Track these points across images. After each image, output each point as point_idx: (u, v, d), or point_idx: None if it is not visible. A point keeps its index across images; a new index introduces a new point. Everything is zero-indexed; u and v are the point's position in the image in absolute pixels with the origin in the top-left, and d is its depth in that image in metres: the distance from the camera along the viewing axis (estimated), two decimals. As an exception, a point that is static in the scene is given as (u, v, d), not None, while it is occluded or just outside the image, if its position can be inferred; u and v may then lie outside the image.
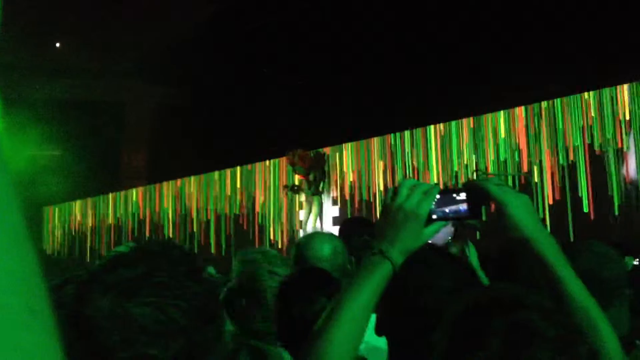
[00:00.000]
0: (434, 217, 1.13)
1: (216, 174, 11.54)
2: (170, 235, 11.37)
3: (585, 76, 7.12)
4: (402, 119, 8.65)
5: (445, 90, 8.03)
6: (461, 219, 1.16)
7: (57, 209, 13.98)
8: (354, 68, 9.49)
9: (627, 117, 6.67)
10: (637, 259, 3.78)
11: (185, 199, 11.78)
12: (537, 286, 1.13)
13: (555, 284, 1.09)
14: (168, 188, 12.36)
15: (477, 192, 1.14)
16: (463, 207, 1.15)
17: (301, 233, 9.45)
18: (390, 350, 1.44)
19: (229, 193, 10.94)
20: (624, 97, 6.73)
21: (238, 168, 11.11)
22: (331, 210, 9.24)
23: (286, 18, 10.14)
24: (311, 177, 9.12)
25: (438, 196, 1.13)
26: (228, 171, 11.32)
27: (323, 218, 9.26)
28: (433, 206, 1.13)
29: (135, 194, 13.00)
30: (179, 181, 12.12)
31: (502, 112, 7.63)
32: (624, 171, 6.62)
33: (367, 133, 9.17)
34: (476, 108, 7.99)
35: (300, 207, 9.47)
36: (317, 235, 2.75)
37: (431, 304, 1.36)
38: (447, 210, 1.15)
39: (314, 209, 9.09)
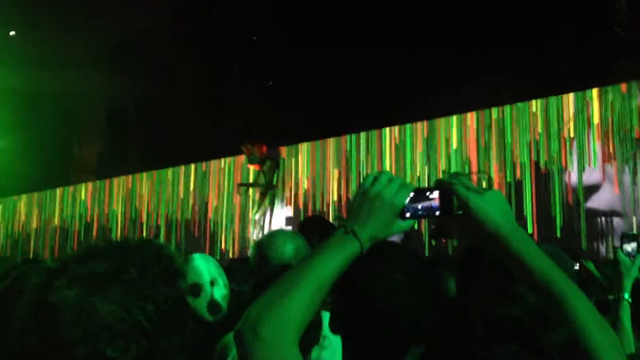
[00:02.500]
0: (407, 214, 1.23)
1: (170, 173, 11.89)
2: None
3: (534, 84, 7.63)
4: (358, 119, 9.12)
5: (402, 92, 8.51)
6: (432, 216, 1.25)
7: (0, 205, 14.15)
8: (310, 67, 9.87)
9: (572, 134, 7.24)
10: (577, 264, 4.20)
11: (135, 201, 12.10)
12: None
13: (532, 276, 1.13)
14: (118, 188, 12.68)
15: (447, 190, 1.24)
16: (434, 204, 1.24)
17: (253, 231, 9.94)
18: (344, 347, 1.49)
19: (181, 196, 11.31)
20: (569, 111, 7.31)
21: (192, 168, 11.49)
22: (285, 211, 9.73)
23: (243, 14, 10.46)
24: (265, 166, 9.65)
25: (412, 194, 1.23)
26: (182, 172, 11.69)
27: (275, 216, 9.74)
28: (407, 202, 1.22)
29: (84, 191, 13.27)
30: (129, 182, 12.42)
31: (454, 117, 8.17)
32: (565, 189, 7.19)
33: (323, 133, 9.63)
34: (431, 111, 8.51)
35: (254, 208, 9.91)
36: (280, 234, 2.80)
37: (382, 297, 1.42)
38: (419, 207, 1.24)
39: (267, 203, 9.58)
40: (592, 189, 7.47)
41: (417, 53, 8.49)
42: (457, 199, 1.22)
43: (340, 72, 9.29)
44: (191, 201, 11.15)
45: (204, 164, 11.37)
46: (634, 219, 7.14)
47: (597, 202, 7.46)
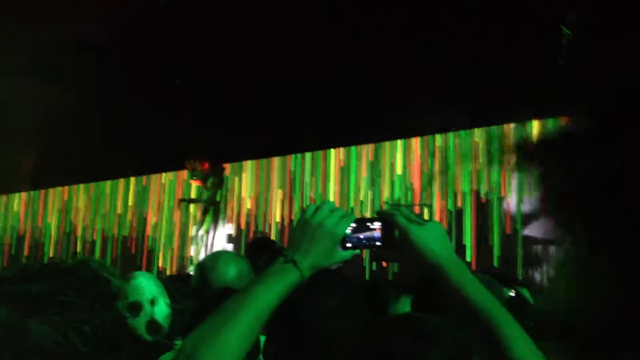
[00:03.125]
0: (349, 245, 1.26)
1: (107, 187, 11.57)
2: (51, 255, 11.30)
3: (477, 112, 7.77)
4: (304, 139, 9.10)
5: (350, 114, 8.54)
6: (374, 247, 1.28)
7: None
8: (257, 82, 9.80)
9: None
10: (513, 291, 4.25)
11: (71, 215, 11.71)
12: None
13: (469, 306, 1.17)
14: (54, 199, 12.25)
15: (388, 221, 1.27)
16: (376, 235, 1.27)
17: (193, 249, 9.77)
18: None
19: (119, 211, 11.00)
20: (510, 142, 7.45)
21: (132, 182, 11.20)
22: (226, 244, 9.61)
23: (186, 25, 10.29)
24: (209, 183, 9.55)
25: (354, 224, 1.27)
26: (121, 185, 11.38)
27: (217, 234, 9.62)
28: (349, 232, 1.25)
29: (18, 201, 12.77)
30: (65, 194, 12.02)
31: (399, 142, 8.22)
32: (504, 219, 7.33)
33: (269, 152, 9.57)
34: (377, 134, 8.56)
35: (195, 225, 9.76)
36: (222, 255, 2.80)
37: (316, 323, 1.44)
38: (361, 237, 1.27)
39: (209, 219, 9.45)
40: (530, 218, 7.64)
41: (364, 77, 8.54)
42: (397, 230, 1.25)
43: (288, 91, 9.27)
44: (129, 216, 10.84)
45: (144, 178, 11.10)
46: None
47: (535, 230, 7.62)
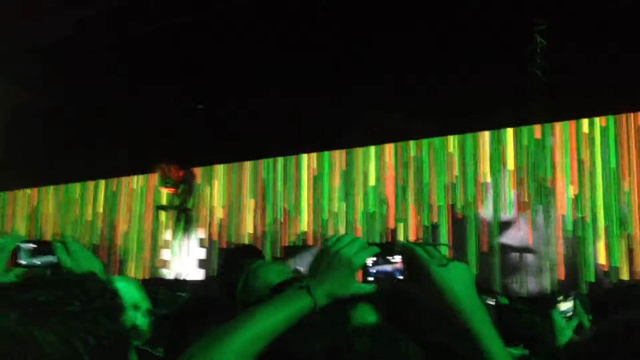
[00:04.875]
0: (370, 278, 1.24)
1: (77, 191, 11.22)
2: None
3: (451, 121, 7.62)
4: (276, 145, 8.87)
5: (323, 120, 8.36)
6: (395, 281, 1.26)
7: None
8: (229, 87, 9.58)
9: (488, 179, 7.22)
10: (493, 300, 4.26)
11: (40, 221, 11.35)
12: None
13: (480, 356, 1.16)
14: (23, 203, 11.86)
15: (410, 257, 1.24)
16: (398, 270, 1.25)
17: (165, 253, 9.54)
18: None
19: (89, 217, 10.67)
20: (485, 152, 7.30)
21: (102, 187, 10.87)
22: (198, 252, 9.35)
23: (155, 31, 10.03)
24: (180, 189, 9.35)
25: (374, 257, 1.24)
26: (90, 190, 11.04)
27: (189, 253, 9.39)
28: (370, 265, 1.24)
29: (-15, 206, 12.38)
30: (35, 198, 11.66)
31: (372, 149, 8.03)
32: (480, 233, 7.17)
33: (240, 156, 9.35)
34: (349, 140, 8.37)
35: (166, 232, 9.52)
36: (263, 263, 2.71)
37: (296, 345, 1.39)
38: (382, 270, 1.25)
39: (180, 227, 9.27)
40: (506, 226, 7.51)
41: (337, 83, 8.35)
42: (419, 267, 1.23)
43: (260, 96, 9.03)
44: (99, 223, 10.52)
45: (115, 183, 10.77)
46: (546, 255, 7.24)
47: (511, 239, 7.51)
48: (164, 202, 9.79)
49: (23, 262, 1.38)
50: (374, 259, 1.24)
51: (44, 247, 1.33)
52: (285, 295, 1.20)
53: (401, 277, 1.24)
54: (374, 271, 1.24)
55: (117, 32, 10.53)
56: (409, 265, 1.24)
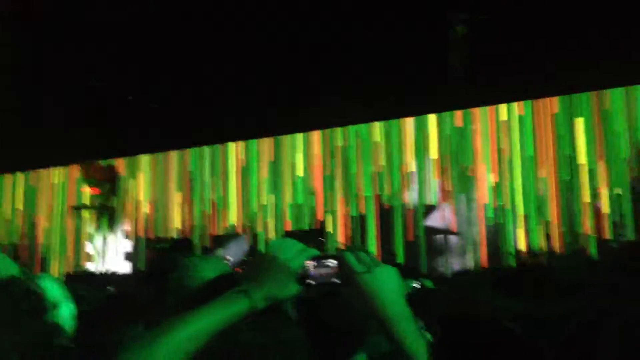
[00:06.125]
0: (308, 281, 1.28)
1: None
2: None
3: (376, 107, 7.66)
4: (203, 133, 8.67)
5: (249, 107, 8.22)
6: (333, 284, 1.30)
7: None
8: (154, 73, 9.26)
9: (413, 169, 7.31)
10: (418, 282, 4.38)
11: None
12: None
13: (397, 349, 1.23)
14: None
15: (344, 261, 1.29)
16: (335, 273, 1.30)
17: (89, 247, 9.27)
18: None
19: (7, 216, 10.16)
20: (410, 140, 7.38)
21: (20, 183, 10.37)
22: (124, 245, 9.08)
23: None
24: (103, 189, 9.05)
25: (314, 262, 1.28)
26: (8, 184, 10.51)
27: (115, 247, 9.13)
28: (308, 267, 1.27)
29: None
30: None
31: (300, 136, 7.97)
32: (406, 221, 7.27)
33: (165, 145, 9.09)
34: (276, 128, 8.28)
35: (89, 239, 9.21)
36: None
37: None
38: (320, 273, 1.29)
39: (104, 225, 9.00)
40: (431, 210, 7.66)
41: (264, 69, 8.21)
42: (347, 273, 1.27)
43: (187, 82, 8.78)
44: (19, 222, 10.05)
45: (34, 177, 10.28)
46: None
47: (435, 221, 7.66)
48: (86, 199, 9.43)
49: None
50: (315, 262, 1.28)
51: (321, 262, 1.34)
52: (224, 297, 1.22)
53: (338, 281, 1.29)
54: (315, 274, 1.28)
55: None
56: (344, 269, 1.28)
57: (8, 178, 10.63)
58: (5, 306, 1.01)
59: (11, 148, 10.48)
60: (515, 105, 7.32)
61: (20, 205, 10.20)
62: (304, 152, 8.04)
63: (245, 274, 1.29)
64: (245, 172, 8.38)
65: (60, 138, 9.91)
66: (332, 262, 1.30)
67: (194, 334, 1.17)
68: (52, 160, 10.19)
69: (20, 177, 10.49)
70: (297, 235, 6.80)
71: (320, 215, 7.67)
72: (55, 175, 10.12)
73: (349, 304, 1.37)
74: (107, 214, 9.12)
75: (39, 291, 1.13)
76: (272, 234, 7.80)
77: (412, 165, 7.41)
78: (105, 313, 2.06)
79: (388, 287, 1.26)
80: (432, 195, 7.40)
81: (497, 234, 7.15)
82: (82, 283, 6.76)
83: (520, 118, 7.22)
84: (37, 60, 10.07)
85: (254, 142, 8.50)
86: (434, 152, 7.42)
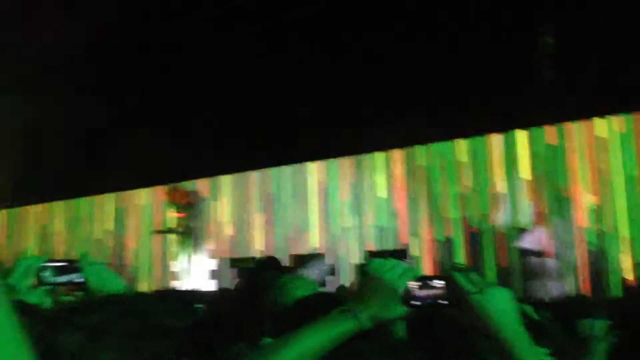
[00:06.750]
0: (415, 302, 1.27)
1: (85, 207, 11.06)
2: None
3: (460, 124, 7.38)
4: (283, 152, 8.62)
5: (329, 128, 8.12)
6: (439, 305, 1.29)
7: None
8: (234, 95, 9.37)
9: (503, 191, 6.90)
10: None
11: (50, 239, 11.22)
12: None
13: None
14: (32, 222, 11.74)
15: (451, 283, 1.28)
16: (441, 294, 1.28)
17: (175, 265, 9.43)
18: None
19: (98, 236, 10.50)
20: (498, 160, 6.99)
21: (111, 205, 10.70)
22: (208, 263, 9.19)
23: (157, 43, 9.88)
24: (187, 213, 9.44)
25: (419, 283, 1.27)
26: (99, 207, 10.88)
27: (199, 266, 9.26)
28: (413, 288, 1.26)
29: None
30: (45, 217, 11.52)
31: (381, 154, 7.75)
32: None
33: (246, 166, 9.14)
34: (356, 147, 8.12)
35: (174, 258, 9.40)
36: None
37: None
38: (427, 294, 1.28)
39: (188, 247, 9.19)
40: (524, 233, 7.20)
41: (344, 89, 8.10)
42: (458, 294, 1.25)
43: (266, 103, 8.80)
44: (109, 242, 10.36)
45: (122, 198, 10.59)
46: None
47: (531, 243, 7.21)
48: (172, 223, 9.68)
49: (48, 280, 1.44)
50: (418, 282, 1.27)
51: (67, 266, 1.39)
52: (329, 317, 1.24)
53: (445, 302, 1.28)
54: (419, 295, 1.26)
55: (124, 48, 10.39)
56: (451, 290, 1.27)
57: (98, 200, 11.02)
58: (132, 321, 1.04)
59: (101, 169, 10.93)
60: (613, 119, 6.78)
61: (110, 226, 10.52)
62: (386, 172, 7.78)
63: (352, 294, 1.32)
64: (325, 194, 8.22)
65: (147, 159, 10.23)
66: (438, 283, 1.28)
67: (305, 353, 1.19)
68: (139, 182, 10.51)
69: (110, 199, 10.83)
70: (382, 255, 6.56)
71: (404, 239, 7.39)
72: (142, 197, 10.37)
73: (459, 325, 1.33)
74: (192, 236, 9.27)
75: (163, 308, 1.16)
76: (354, 257, 7.60)
77: (501, 185, 6.99)
78: (200, 330, 2.03)
79: (502, 308, 1.25)
80: (525, 217, 6.94)
81: (598, 259, 6.61)
82: (170, 301, 6.82)
83: (621, 134, 6.66)
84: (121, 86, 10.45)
85: (334, 162, 8.34)
86: (525, 171, 6.98)
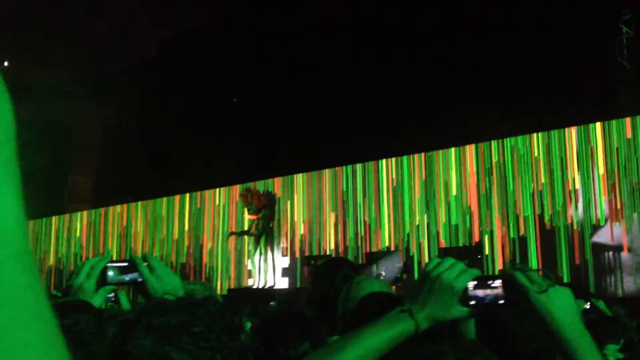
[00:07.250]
0: (472, 302, 1.25)
1: (164, 207, 11.46)
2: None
3: (536, 117, 7.27)
4: (355, 151, 8.72)
5: (399, 124, 8.17)
6: (497, 306, 1.27)
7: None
8: (307, 96, 9.53)
9: (577, 186, 6.77)
10: (588, 303, 4.21)
11: (130, 241, 11.68)
12: None
13: None
14: (113, 224, 12.26)
15: (510, 282, 1.26)
16: (499, 294, 1.26)
17: (249, 264, 9.65)
18: None
19: (176, 236, 10.87)
20: (573, 153, 6.85)
21: (187, 206, 11.06)
22: (281, 261, 9.37)
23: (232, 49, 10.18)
24: (261, 214, 9.54)
25: (475, 282, 1.25)
26: (177, 207, 11.26)
27: (273, 264, 9.44)
28: (471, 288, 1.25)
29: (80, 226, 12.86)
30: (124, 218, 12.01)
31: (453, 152, 7.74)
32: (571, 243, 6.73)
33: (319, 164, 9.28)
34: (429, 144, 8.13)
35: (249, 257, 9.63)
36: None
37: None
38: (484, 294, 1.26)
39: (262, 247, 9.40)
40: (598, 229, 7.05)
41: (414, 86, 8.14)
42: (519, 292, 1.23)
43: (339, 102, 8.93)
44: (186, 242, 10.70)
45: (198, 200, 10.92)
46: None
47: (604, 238, 7.05)
48: (246, 223, 9.91)
49: (112, 280, 1.48)
50: (475, 282, 1.24)
51: (129, 266, 1.42)
52: (388, 317, 1.22)
53: (502, 302, 1.25)
54: (477, 295, 1.24)
55: (206, 53, 10.71)
56: (509, 290, 1.24)
57: (176, 200, 11.38)
58: (204, 323, 1.05)
59: (179, 171, 11.30)
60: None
61: (186, 226, 10.87)
62: (458, 168, 7.76)
63: (409, 293, 1.28)
64: (396, 193, 8.26)
65: (221, 160, 10.52)
66: (496, 283, 1.25)
67: (365, 354, 1.18)
68: (215, 182, 10.81)
69: (186, 199, 11.17)
70: (454, 251, 6.55)
71: (476, 236, 7.38)
72: (217, 197, 10.67)
73: (519, 324, 1.32)
74: (266, 235, 9.48)
75: (234, 311, 1.15)
76: (425, 255, 7.62)
77: (576, 182, 6.86)
78: (272, 329, 2.03)
79: (564, 307, 1.23)
80: (600, 213, 6.80)
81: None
82: (245, 299, 7.03)
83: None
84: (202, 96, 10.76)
85: (405, 159, 8.37)
86: (601, 167, 6.84)
